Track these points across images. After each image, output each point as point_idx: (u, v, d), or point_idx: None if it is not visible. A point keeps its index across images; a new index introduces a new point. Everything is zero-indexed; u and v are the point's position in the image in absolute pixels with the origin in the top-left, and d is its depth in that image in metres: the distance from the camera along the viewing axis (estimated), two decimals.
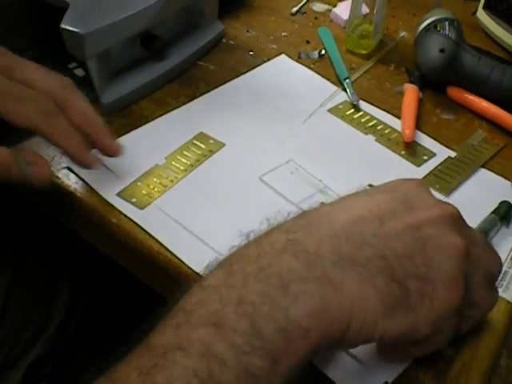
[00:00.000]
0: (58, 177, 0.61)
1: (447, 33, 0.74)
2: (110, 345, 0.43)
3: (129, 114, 0.70)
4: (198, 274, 0.52)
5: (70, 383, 0.75)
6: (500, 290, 0.52)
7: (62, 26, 0.62)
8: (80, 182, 0.60)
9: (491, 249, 0.45)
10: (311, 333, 0.36)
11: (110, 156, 0.59)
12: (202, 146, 0.66)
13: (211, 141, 0.66)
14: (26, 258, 0.72)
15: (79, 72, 0.73)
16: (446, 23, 0.76)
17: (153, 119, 0.69)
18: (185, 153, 0.65)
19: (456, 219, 0.41)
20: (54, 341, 0.73)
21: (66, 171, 0.61)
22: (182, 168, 0.63)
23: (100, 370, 0.36)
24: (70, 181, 0.60)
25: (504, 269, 0.54)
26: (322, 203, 0.44)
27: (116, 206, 0.58)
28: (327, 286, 0.36)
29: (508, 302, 0.52)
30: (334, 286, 0.36)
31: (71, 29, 0.62)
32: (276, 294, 0.36)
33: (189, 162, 0.64)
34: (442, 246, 0.39)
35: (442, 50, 0.72)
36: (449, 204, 0.42)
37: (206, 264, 0.42)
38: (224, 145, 0.66)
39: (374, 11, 0.80)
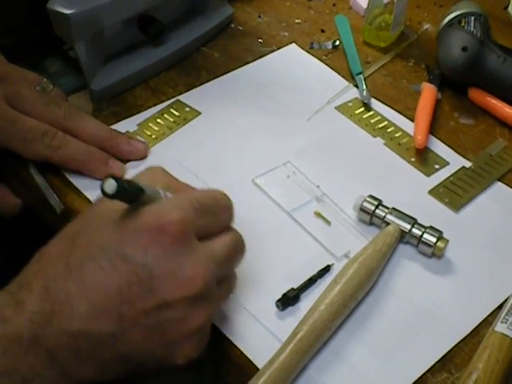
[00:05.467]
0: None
1: (472, 29, 0.68)
2: None
3: (121, 102, 0.66)
4: None
5: None
6: (504, 327, 0.47)
7: (49, 5, 0.58)
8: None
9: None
10: None
11: (136, 159, 0.59)
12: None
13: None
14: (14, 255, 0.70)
15: (73, 53, 0.69)
16: (472, 18, 0.69)
17: (146, 109, 0.65)
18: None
19: (196, 295, 0.40)
20: None
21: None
22: None
23: None
24: None
25: (511, 302, 0.48)
26: None
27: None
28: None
29: None
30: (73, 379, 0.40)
31: (57, 9, 0.57)
32: None
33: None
34: (180, 329, 0.41)
35: (464, 49, 0.66)
36: (196, 274, 0.40)
37: None
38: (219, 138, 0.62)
39: (395, 0, 0.73)
